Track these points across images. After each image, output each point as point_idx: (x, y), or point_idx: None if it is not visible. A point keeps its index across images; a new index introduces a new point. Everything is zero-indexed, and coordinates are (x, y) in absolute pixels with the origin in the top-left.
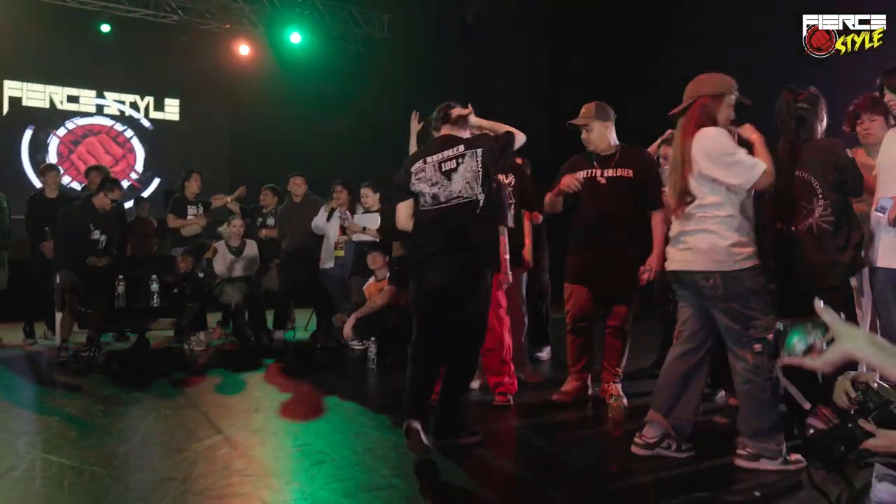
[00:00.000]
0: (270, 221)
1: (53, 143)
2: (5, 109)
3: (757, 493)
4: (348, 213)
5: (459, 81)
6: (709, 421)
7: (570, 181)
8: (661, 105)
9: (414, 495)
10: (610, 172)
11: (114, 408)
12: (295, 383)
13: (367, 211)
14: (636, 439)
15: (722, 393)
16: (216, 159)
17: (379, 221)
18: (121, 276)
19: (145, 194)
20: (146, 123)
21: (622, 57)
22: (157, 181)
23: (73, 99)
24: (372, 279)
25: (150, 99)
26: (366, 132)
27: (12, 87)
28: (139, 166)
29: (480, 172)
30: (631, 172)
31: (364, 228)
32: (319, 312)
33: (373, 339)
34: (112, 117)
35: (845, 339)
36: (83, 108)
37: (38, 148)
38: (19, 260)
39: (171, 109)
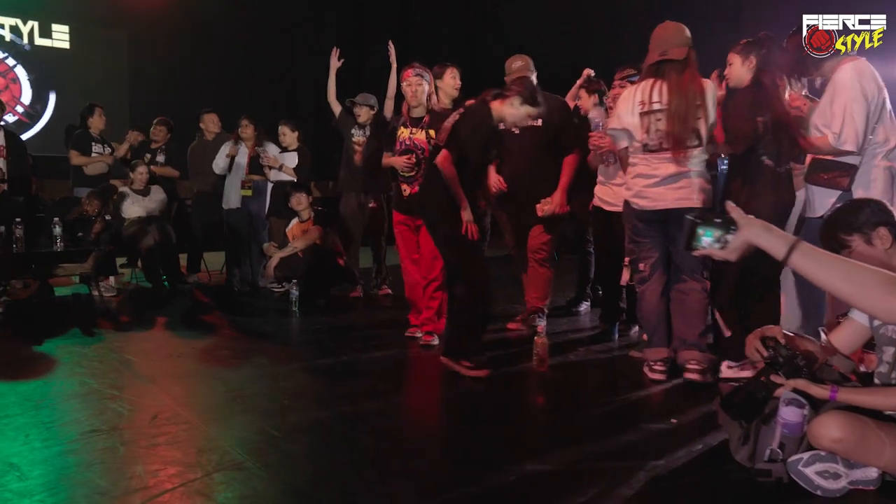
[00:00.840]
0: (161, 158)
1: None
2: None
3: (673, 420)
4: (268, 148)
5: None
6: (625, 356)
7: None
8: None
9: (349, 435)
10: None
11: (29, 359)
12: (216, 327)
13: (284, 150)
14: (689, 374)
15: (636, 328)
16: (114, 92)
17: (296, 160)
18: (18, 219)
19: (36, 129)
20: (29, 50)
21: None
22: (47, 115)
23: None
24: (295, 220)
25: (33, 24)
26: (279, 66)
27: None
28: (25, 98)
29: None
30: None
31: (281, 166)
32: (230, 254)
33: (294, 281)
34: None
35: (745, 228)
36: None
37: None
38: None
39: (61, 36)
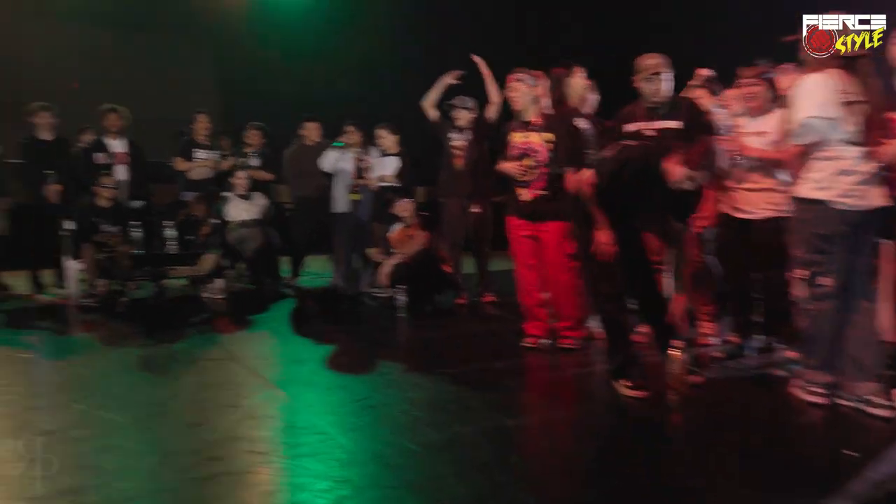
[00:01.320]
0: (255, 162)
1: None
2: None
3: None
4: (367, 154)
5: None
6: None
7: None
8: None
9: (496, 454)
10: None
11: (152, 360)
12: (328, 333)
13: (384, 154)
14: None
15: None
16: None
17: (397, 165)
18: (138, 222)
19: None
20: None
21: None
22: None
23: None
24: (399, 225)
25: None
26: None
27: None
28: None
29: None
30: None
31: (379, 175)
32: (335, 258)
33: (402, 287)
34: None
35: None
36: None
37: None
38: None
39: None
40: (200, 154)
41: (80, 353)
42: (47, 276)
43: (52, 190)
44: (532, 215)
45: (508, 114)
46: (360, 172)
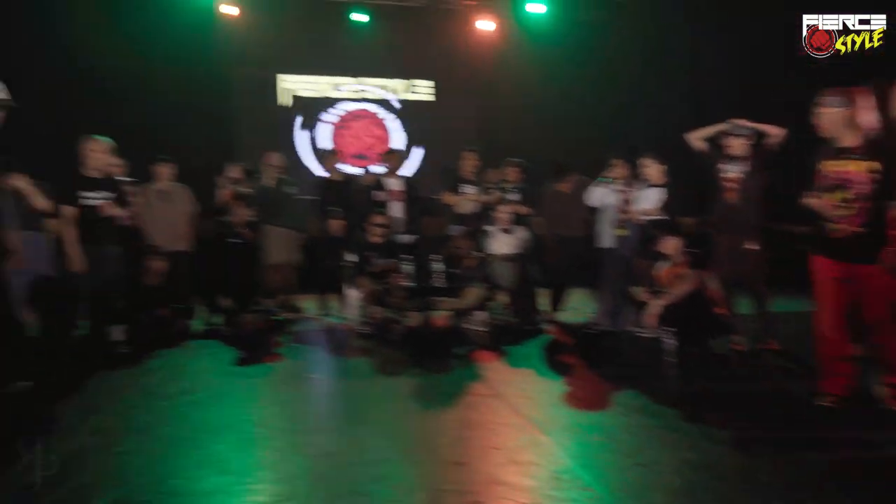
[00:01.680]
0: (514, 197)
1: (325, 130)
2: (284, 101)
3: None
4: (631, 187)
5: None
6: None
7: None
8: None
9: None
10: None
11: (420, 391)
12: (594, 374)
13: (649, 185)
14: None
15: None
16: (468, 137)
17: (662, 197)
18: (409, 256)
19: (407, 173)
20: (401, 105)
21: None
22: (414, 160)
23: (338, 87)
24: (666, 264)
25: (404, 82)
26: (625, 105)
27: (288, 81)
28: (397, 147)
29: None
30: None
31: (642, 208)
32: (600, 295)
33: (670, 329)
34: (372, 102)
35: None
36: (347, 95)
37: (310, 134)
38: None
39: (425, 90)
40: (467, 189)
41: (355, 377)
42: (332, 301)
43: (336, 224)
44: (847, 256)
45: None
46: (625, 206)
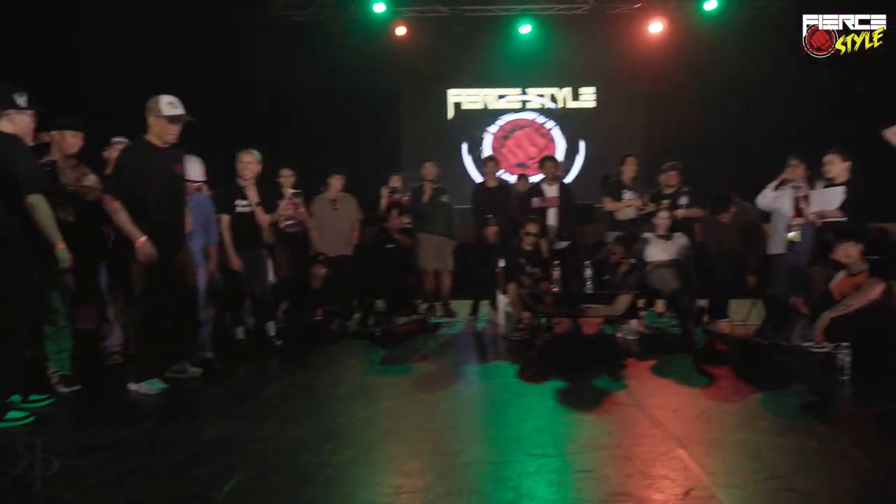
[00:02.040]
0: (683, 201)
1: (487, 140)
2: (450, 114)
3: None
4: (808, 188)
5: None
6: None
7: None
8: None
9: None
10: None
11: (561, 396)
12: (750, 389)
13: (829, 184)
14: None
15: None
16: (633, 143)
17: (842, 197)
18: (561, 262)
19: (568, 179)
20: (562, 112)
21: None
22: (576, 168)
23: (501, 97)
24: (842, 273)
25: (567, 90)
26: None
27: (455, 95)
28: (560, 155)
29: None
30: None
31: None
32: (767, 305)
33: (845, 344)
34: (535, 111)
35: None
36: (510, 106)
37: (475, 145)
38: (463, 244)
39: (588, 97)
40: (627, 195)
41: (497, 380)
42: (484, 306)
43: (490, 231)
44: None
45: None
46: (800, 208)
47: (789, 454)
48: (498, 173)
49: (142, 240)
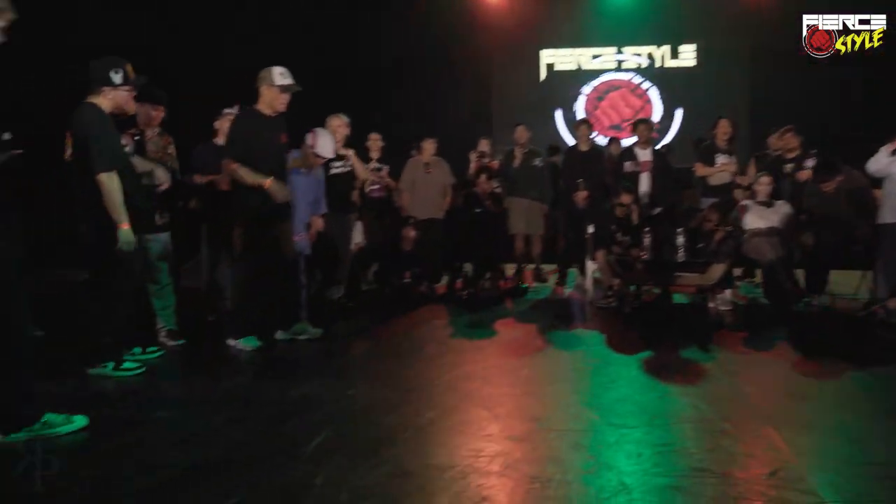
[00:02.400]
0: (809, 163)
1: (580, 102)
2: (542, 75)
3: None
4: None
5: None
6: None
7: None
8: None
9: None
10: None
11: (647, 366)
12: (851, 367)
13: None
14: None
15: None
16: (735, 104)
17: None
18: (653, 228)
19: (664, 143)
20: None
21: None
22: (673, 130)
23: (595, 58)
24: None
25: (665, 48)
26: None
27: (548, 55)
28: (656, 116)
29: None
30: None
31: None
32: (878, 277)
33: None
34: (630, 71)
35: None
36: (604, 66)
37: (567, 107)
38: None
39: (687, 56)
40: (721, 159)
41: (582, 347)
42: (573, 272)
43: (581, 196)
44: None
45: None
46: None
47: (891, 441)
48: (591, 136)
49: (268, 181)
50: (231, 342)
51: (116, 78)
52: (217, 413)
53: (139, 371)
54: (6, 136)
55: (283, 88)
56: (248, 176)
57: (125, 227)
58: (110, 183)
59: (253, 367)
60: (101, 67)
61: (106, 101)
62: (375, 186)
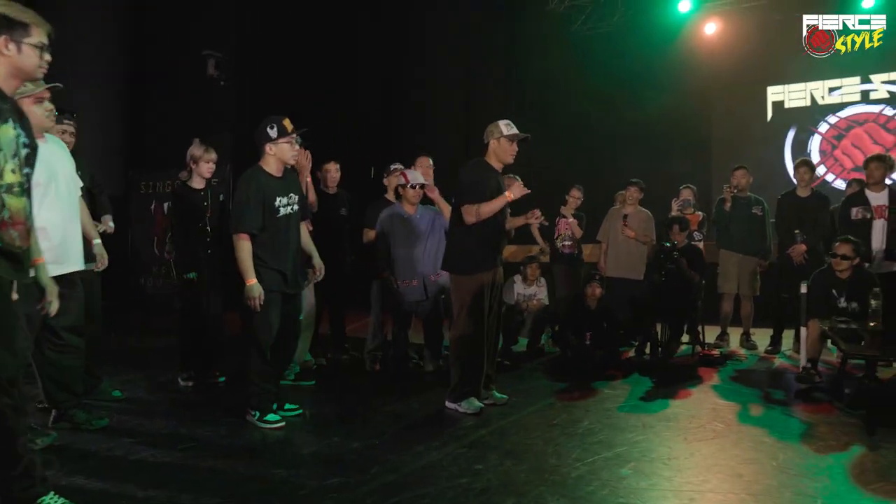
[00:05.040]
0: None
1: (815, 141)
2: (769, 115)
3: None
4: None
5: None
6: None
7: None
8: None
9: None
10: None
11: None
12: None
13: None
14: None
15: None
16: None
17: None
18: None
19: None
20: None
21: None
22: None
23: (834, 90)
24: None
25: None
26: None
27: (775, 93)
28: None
29: None
30: None
31: None
32: None
33: None
34: (880, 102)
35: None
36: (845, 99)
37: (799, 148)
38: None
39: None
40: None
41: (784, 432)
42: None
43: (797, 250)
44: None
45: None
46: None
47: None
48: (822, 179)
49: (508, 192)
50: (450, 405)
51: (272, 132)
52: (330, 474)
53: (279, 425)
54: None
55: (511, 139)
56: (495, 204)
57: (251, 283)
58: (238, 245)
59: (389, 429)
60: (262, 127)
61: (271, 158)
62: (568, 242)
